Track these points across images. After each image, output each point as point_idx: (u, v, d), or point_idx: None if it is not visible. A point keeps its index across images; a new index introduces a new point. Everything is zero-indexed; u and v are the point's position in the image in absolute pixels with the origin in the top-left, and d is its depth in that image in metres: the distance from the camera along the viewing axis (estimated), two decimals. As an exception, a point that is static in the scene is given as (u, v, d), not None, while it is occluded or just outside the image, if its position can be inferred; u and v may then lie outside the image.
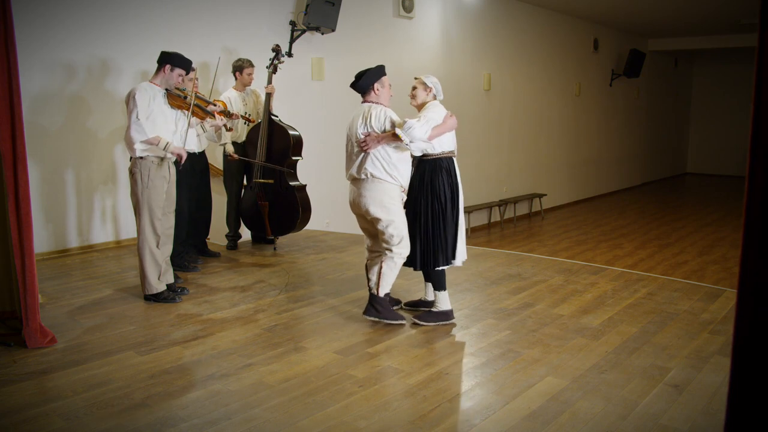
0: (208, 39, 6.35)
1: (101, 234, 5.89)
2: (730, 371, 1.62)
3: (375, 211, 3.87)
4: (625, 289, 4.79)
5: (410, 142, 3.75)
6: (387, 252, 3.91)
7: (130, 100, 4.16)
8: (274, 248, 5.94)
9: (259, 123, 5.68)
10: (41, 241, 5.39)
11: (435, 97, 3.99)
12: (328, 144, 7.60)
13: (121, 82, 5.78)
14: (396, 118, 3.88)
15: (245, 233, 6.17)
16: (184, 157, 4.35)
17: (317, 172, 7.17)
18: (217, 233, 6.01)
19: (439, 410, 2.85)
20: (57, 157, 5.54)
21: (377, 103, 3.93)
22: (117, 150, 5.89)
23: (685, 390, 3.05)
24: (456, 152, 4.03)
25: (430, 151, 3.88)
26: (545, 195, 12.05)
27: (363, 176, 3.89)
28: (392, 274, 3.92)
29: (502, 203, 10.92)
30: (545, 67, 11.76)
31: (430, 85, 3.96)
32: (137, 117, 4.11)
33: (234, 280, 4.93)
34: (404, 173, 3.94)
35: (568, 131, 12.83)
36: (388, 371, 3.27)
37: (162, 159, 4.26)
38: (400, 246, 3.88)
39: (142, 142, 4.15)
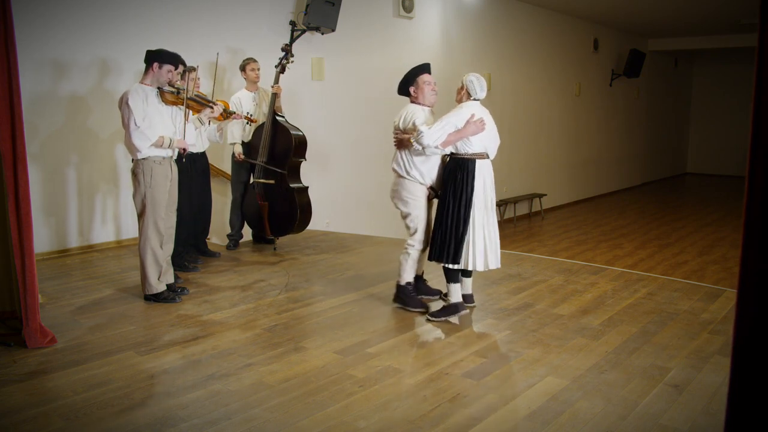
0: (208, 39, 6.34)
1: (102, 234, 5.89)
2: (730, 371, 1.62)
3: (396, 202, 4.24)
4: (625, 289, 4.79)
5: (421, 148, 3.92)
6: (406, 244, 4.24)
7: (123, 105, 4.13)
8: (274, 248, 5.94)
9: (264, 123, 5.69)
10: (41, 241, 5.39)
11: (469, 96, 3.98)
12: (328, 144, 7.60)
13: (121, 82, 5.77)
14: (420, 122, 4.00)
15: (247, 234, 6.17)
16: (188, 147, 4.40)
17: (317, 172, 7.17)
18: (218, 233, 6.01)
19: (439, 410, 2.85)
20: (57, 157, 5.54)
21: (418, 103, 4.14)
22: (118, 150, 5.88)
23: (685, 390, 3.05)
24: (490, 154, 4.03)
25: (455, 151, 3.98)
26: (545, 195, 12.05)
27: (392, 170, 4.20)
28: (408, 266, 4.22)
29: (502, 203, 10.91)
30: (545, 67, 11.75)
31: (464, 84, 4.00)
32: (136, 124, 4.08)
33: (234, 280, 4.93)
34: (427, 172, 4.12)
35: (568, 131, 12.82)
36: (388, 371, 3.27)
37: (164, 158, 4.26)
38: (413, 239, 4.21)
39: (148, 147, 4.15)
